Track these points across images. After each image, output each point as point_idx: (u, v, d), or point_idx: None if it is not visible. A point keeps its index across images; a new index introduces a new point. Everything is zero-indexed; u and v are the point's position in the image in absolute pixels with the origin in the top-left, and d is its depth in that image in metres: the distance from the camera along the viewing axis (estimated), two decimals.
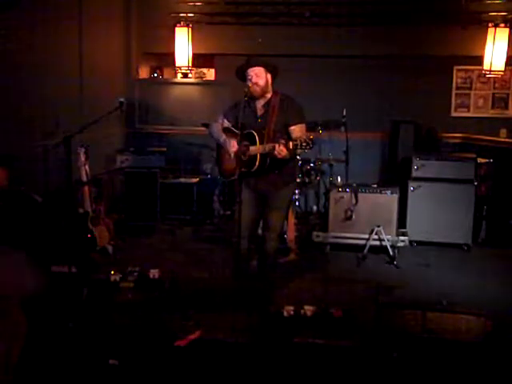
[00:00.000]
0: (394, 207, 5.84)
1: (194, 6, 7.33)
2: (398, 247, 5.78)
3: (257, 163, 4.23)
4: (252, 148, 4.25)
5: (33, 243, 4.39)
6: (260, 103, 4.40)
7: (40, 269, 4.28)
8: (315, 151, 6.75)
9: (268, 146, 4.17)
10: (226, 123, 4.54)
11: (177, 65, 7.36)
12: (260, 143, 4.21)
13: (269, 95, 4.40)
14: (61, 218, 4.99)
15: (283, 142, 4.04)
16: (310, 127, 5.92)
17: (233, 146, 4.33)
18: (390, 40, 6.95)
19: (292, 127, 4.32)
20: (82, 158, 5.38)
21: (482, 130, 7.08)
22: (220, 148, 4.59)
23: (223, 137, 4.46)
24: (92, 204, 5.48)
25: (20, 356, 3.04)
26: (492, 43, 6.74)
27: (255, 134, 4.24)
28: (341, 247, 5.94)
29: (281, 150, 4.03)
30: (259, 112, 4.40)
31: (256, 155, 4.22)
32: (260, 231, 4.82)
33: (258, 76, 4.32)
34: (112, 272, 4.83)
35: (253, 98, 4.37)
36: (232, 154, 4.36)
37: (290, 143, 4.01)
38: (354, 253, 5.79)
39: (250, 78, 4.32)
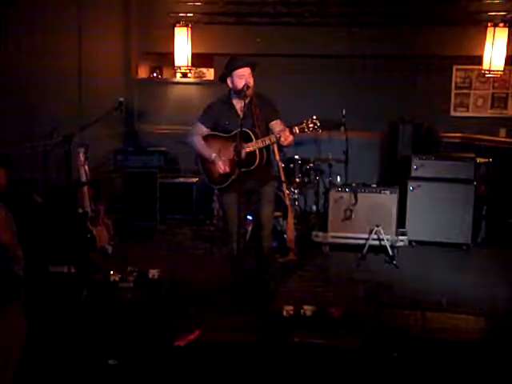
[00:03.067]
0: (393, 207, 5.85)
1: (194, 5, 7.32)
2: (398, 247, 5.78)
3: (257, 159, 4.32)
4: (249, 144, 4.30)
5: (32, 243, 4.39)
6: (239, 103, 4.41)
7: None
8: (315, 151, 6.76)
9: (268, 139, 4.28)
10: (205, 130, 4.53)
11: (176, 64, 7.35)
12: (256, 139, 4.30)
13: None
14: (60, 218, 4.99)
15: (288, 129, 4.20)
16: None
17: (222, 166, 4.41)
18: (390, 40, 6.94)
19: (272, 123, 4.44)
20: (82, 158, 5.37)
21: (481, 130, 7.07)
22: (205, 158, 4.55)
23: (213, 154, 4.47)
24: (91, 204, 5.47)
25: (20, 357, 3.04)
26: (491, 43, 6.73)
27: (249, 131, 4.31)
28: (340, 247, 5.94)
29: (287, 137, 4.20)
30: (240, 112, 4.40)
31: (254, 152, 4.30)
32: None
33: (250, 77, 4.35)
34: (111, 272, 4.83)
35: (241, 98, 4.38)
36: (222, 171, 4.42)
37: (296, 128, 4.20)
38: (353, 253, 5.79)
39: (241, 78, 4.30)
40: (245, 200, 4.47)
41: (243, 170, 4.28)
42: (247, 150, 4.29)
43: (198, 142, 4.53)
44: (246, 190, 4.42)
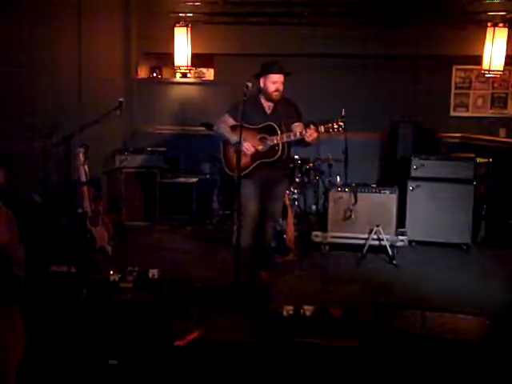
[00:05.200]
0: (393, 207, 5.85)
1: (194, 5, 7.32)
2: (397, 247, 5.78)
3: (279, 153, 4.52)
4: (273, 137, 4.51)
5: (32, 243, 4.38)
6: (267, 103, 4.68)
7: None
8: (314, 151, 6.75)
9: (294, 133, 4.47)
10: (232, 121, 4.70)
11: (176, 64, 7.35)
12: (281, 133, 4.51)
13: None
14: (60, 218, 4.99)
15: (313, 125, 4.38)
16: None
17: (247, 146, 4.54)
18: (390, 40, 6.94)
19: (295, 124, 4.62)
20: (81, 157, 5.37)
21: (481, 130, 7.08)
22: (227, 145, 4.74)
23: (235, 138, 4.55)
24: (91, 204, 5.47)
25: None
26: (491, 43, 6.73)
27: (275, 126, 4.52)
28: (340, 247, 5.94)
29: (312, 133, 4.35)
30: (268, 110, 4.68)
31: (278, 145, 4.51)
32: None
33: (282, 83, 4.59)
34: (111, 272, 4.82)
35: (268, 100, 4.64)
36: (249, 152, 4.57)
37: (322, 127, 4.37)
38: (353, 252, 5.79)
39: (274, 83, 4.54)
40: (260, 195, 4.68)
41: (264, 161, 4.51)
42: (270, 142, 4.51)
43: (225, 128, 4.71)
44: (263, 183, 4.64)
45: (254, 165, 4.59)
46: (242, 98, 4.64)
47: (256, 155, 4.58)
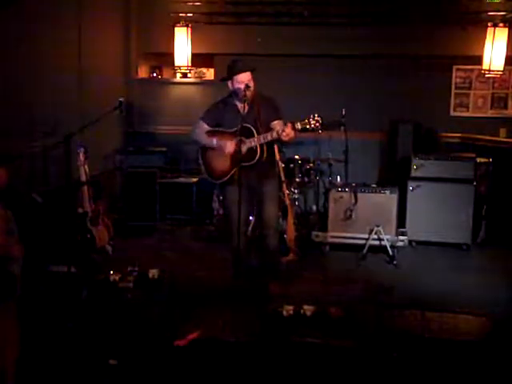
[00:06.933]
0: (393, 207, 5.85)
1: (194, 5, 7.32)
2: (398, 247, 5.78)
3: (258, 155, 4.38)
4: (250, 140, 4.37)
5: (32, 243, 4.38)
6: (241, 104, 4.50)
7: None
8: (315, 151, 6.77)
9: (270, 134, 4.33)
10: (206, 128, 4.62)
11: (176, 64, 7.35)
12: (258, 134, 4.37)
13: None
14: (60, 218, 4.98)
15: (290, 124, 4.23)
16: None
17: (229, 146, 4.45)
18: (390, 40, 6.94)
19: (274, 122, 4.49)
20: (82, 157, 5.37)
21: (481, 130, 7.07)
22: (206, 151, 4.65)
23: (214, 140, 4.52)
24: (91, 204, 5.47)
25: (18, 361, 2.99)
26: (491, 43, 6.72)
27: (251, 127, 4.38)
28: (340, 247, 5.94)
29: (289, 132, 4.22)
30: (243, 111, 4.50)
31: (256, 147, 4.37)
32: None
33: (250, 81, 4.44)
34: (111, 272, 4.83)
35: (242, 102, 4.46)
36: (229, 153, 4.46)
37: (299, 123, 4.23)
38: (353, 253, 5.79)
39: (241, 83, 4.40)
40: (247, 198, 4.52)
41: (243, 164, 4.34)
42: (248, 145, 4.36)
43: (201, 134, 4.62)
44: (248, 186, 4.47)
45: (234, 169, 4.45)
46: (216, 102, 4.65)
47: (235, 159, 4.41)
